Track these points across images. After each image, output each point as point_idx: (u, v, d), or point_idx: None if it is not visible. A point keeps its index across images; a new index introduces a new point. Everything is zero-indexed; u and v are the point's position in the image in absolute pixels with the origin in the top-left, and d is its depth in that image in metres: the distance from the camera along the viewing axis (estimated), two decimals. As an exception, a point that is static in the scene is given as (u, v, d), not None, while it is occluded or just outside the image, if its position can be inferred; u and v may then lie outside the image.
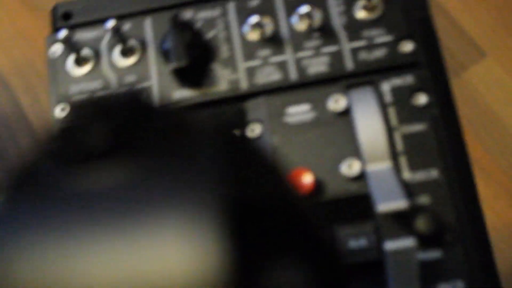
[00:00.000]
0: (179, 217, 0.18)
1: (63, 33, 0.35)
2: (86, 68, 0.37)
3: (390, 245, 0.31)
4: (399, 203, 0.32)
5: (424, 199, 0.34)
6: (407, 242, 0.31)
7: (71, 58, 0.37)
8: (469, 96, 0.62)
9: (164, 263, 0.17)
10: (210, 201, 0.18)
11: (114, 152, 0.20)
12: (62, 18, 0.38)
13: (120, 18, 0.38)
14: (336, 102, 0.35)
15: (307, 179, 0.33)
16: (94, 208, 0.19)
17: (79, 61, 0.37)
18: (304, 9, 0.36)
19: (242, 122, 0.35)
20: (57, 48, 0.37)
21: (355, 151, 0.34)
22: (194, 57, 0.35)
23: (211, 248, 0.17)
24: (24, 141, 0.55)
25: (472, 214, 0.34)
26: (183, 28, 0.36)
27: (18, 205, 0.19)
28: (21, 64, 0.58)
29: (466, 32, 0.64)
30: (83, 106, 0.23)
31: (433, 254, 0.33)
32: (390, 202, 0.32)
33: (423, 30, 0.37)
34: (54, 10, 0.39)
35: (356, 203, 0.34)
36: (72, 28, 0.38)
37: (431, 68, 0.36)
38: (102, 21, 0.38)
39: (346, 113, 0.35)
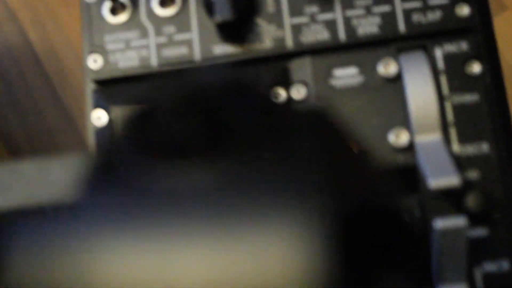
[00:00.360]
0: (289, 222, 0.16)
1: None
2: (123, 16, 0.35)
3: (441, 223, 0.30)
4: (452, 179, 0.31)
5: (473, 174, 0.33)
6: (458, 221, 0.30)
7: (107, 5, 0.35)
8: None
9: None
10: (318, 209, 0.17)
11: (208, 144, 0.18)
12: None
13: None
14: (386, 67, 0.34)
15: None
16: (186, 207, 0.17)
17: (116, 8, 0.35)
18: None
19: (287, 81, 0.34)
20: (93, -9, 0.35)
21: (404, 120, 0.33)
22: (239, 11, 0.33)
23: (324, 255, 0.16)
24: (32, 79, 0.53)
25: (520, 192, 0.33)
26: (229, -22, 0.34)
27: (99, 201, 0.18)
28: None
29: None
30: (163, 81, 0.22)
31: (480, 231, 0.32)
32: (442, 178, 0.31)
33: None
34: None
35: (403, 175, 0.33)
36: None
37: (485, 35, 0.34)
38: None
39: (396, 79, 0.34)
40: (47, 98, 0.53)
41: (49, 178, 0.25)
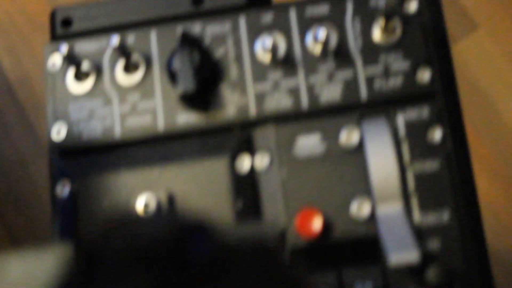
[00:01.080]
0: None
1: (64, 48, 0.34)
2: (87, 84, 0.36)
3: (399, 301, 0.31)
4: (411, 255, 0.32)
5: (434, 244, 0.34)
6: (416, 299, 0.31)
7: (71, 73, 0.36)
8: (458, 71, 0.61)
9: None
10: None
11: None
12: (61, 24, 0.37)
13: (124, 28, 0.36)
14: (349, 135, 0.34)
15: (317, 224, 0.33)
16: None
17: (79, 76, 0.36)
18: (320, 30, 0.34)
19: (251, 149, 0.34)
20: (56, 60, 0.36)
21: (366, 189, 0.34)
22: (202, 80, 0.34)
23: None
24: (5, 107, 0.53)
25: (480, 259, 0.34)
26: (192, 47, 0.35)
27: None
28: (2, 22, 0.55)
29: (458, 2, 0.61)
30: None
31: (440, 303, 0.33)
32: (402, 253, 0.32)
33: (440, 55, 0.35)
34: (53, 15, 0.37)
35: (365, 246, 0.34)
36: (72, 36, 0.36)
37: (447, 99, 0.35)
38: (105, 30, 0.37)
39: (359, 147, 0.34)
40: (19, 127, 0.53)
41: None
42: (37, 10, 0.52)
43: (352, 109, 0.36)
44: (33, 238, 0.49)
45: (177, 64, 0.35)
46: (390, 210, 0.34)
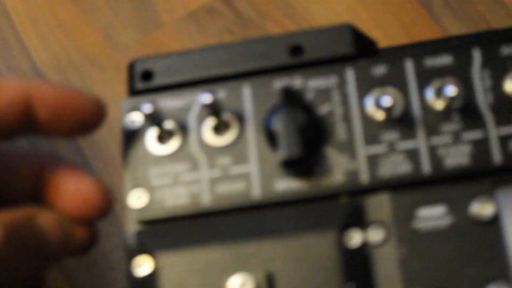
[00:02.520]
0: None
1: (147, 108, 0.30)
2: (171, 146, 0.32)
3: None
4: None
5: None
6: None
7: (152, 132, 0.32)
8: None
9: None
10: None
11: None
12: (141, 77, 0.33)
13: (212, 82, 0.32)
14: (482, 207, 0.30)
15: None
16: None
17: (162, 136, 0.31)
18: (449, 86, 0.30)
19: (363, 222, 0.30)
20: (137, 118, 0.32)
21: (504, 272, 0.29)
22: (307, 142, 0.30)
23: None
24: (65, 149, 0.50)
25: None
26: (295, 105, 0.30)
27: None
28: (59, 58, 0.53)
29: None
30: None
31: None
32: None
33: None
34: (132, 66, 0.34)
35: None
36: (154, 91, 0.33)
37: None
38: (191, 84, 0.33)
39: (494, 221, 0.29)
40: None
41: None
42: (94, 47, 0.49)
43: (484, 175, 0.31)
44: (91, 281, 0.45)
45: (278, 124, 0.31)
46: (536, 297, 0.29)
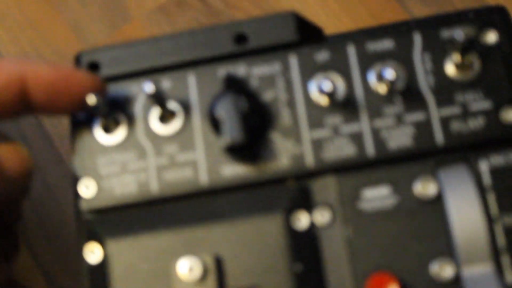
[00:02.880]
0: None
1: (92, 99, 0.30)
2: (118, 135, 0.33)
3: None
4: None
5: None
6: None
7: (99, 122, 0.32)
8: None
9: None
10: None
11: None
12: (88, 68, 0.34)
13: (157, 71, 0.33)
14: (424, 186, 0.31)
15: (392, 290, 0.29)
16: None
17: (109, 127, 0.32)
18: (387, 69, 0.30)
19: (309, 205, 0.30)
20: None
21: (447, 248, 0.30)
22: (251, 128, 0.30)
23: None
24: (32, 136, 0.50)
25: None
26: (238, 91, 0.31)
27: None
28: (28, 53, 0.53)
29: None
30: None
31: None
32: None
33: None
34: (78, 59, 0.34)
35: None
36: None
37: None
38: (136, 74, 0.33)
39: (436, 200, 0.30)
40: (47, 156, 0.50)
41: None
42: (63, 42, 0.50)
43: (426, 156, 0.32)
44: (64, 270, 0.45)
45: (221, 111, 0.31)
46: (479, 272, 0.30)
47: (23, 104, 0.33)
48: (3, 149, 0.33)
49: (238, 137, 0.31)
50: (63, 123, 0.51)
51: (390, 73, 0.32)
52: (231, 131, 0.31)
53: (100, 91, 0.33)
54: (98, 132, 0.34)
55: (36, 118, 0.51)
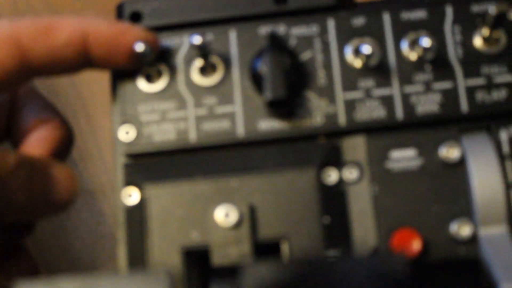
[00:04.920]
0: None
1: (141, 47, 0.33)
2: (159, 85, 0.35)
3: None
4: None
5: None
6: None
7: (142, 72, 0.35)
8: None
9: None
10: None
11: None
12: (130, 18, 0.36)
13: (199, 26, 0.35)
14: (448, 151, 0.34)
15: (416, 245, 0.32)
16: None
17: (151, 76, 0.34)
18: (423, 38, 0.34)
19: (339, 162, 0.33)
20: (126, 56, 0.35)
21: (467, 209, 0.33)
22: (291, 85, 0.33)
23: None
24: None
25: None
26: (281, 50, 0.33)
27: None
28: (18, 2, 0.55)
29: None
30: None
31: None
32: (512, 281, 0.31)
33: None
34: (120, 8, 0.36)
35: (465, 268, 0.33)
36: (143, 32, 0.36)
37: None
38: (178, 27, 0.36)
39: (459, 164, 0.33)
40: None
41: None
42: None
43: (451, 122, 0.35)
44: (48, 225, 0.48)
45: (264, 67, 0.34)
46: (495, 233, 0.33)
47: (84, 60, 0.35)
48: (59, 171, 0.36)
49: (280, 93, 0.34)
50: (57, 84, 0.52)
51: (426, 42, 0.35)
52: (274, 87, 0.34)
53: (154, 46, 0.35)
54: (140, 81, 0.37)
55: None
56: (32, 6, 0.55)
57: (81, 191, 0.44)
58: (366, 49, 0.35)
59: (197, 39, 0.35)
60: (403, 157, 0.35)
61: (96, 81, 0.52)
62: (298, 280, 0.27)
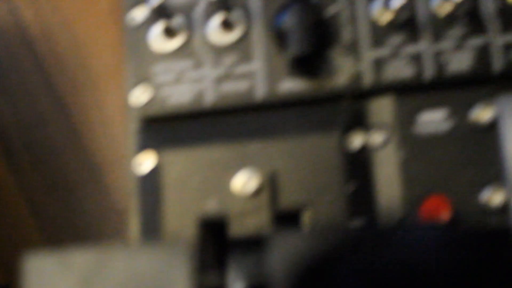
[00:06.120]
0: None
1: (156, 0, 0.31)
2: (175, 42, 0.34)
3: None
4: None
5: None
6: None
7: (157, 28, 0.33)
8: None
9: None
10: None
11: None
12: (144, -30, 0.34)
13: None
14: (480, 113, 0.32)
15: (444, 213, 0.31)
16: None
17: (166, 33, 0.33)
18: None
19: (365, 124, 0.32)
20: (140, 13, 0.33)
21: (498, 176, 0.31)
22: (316, 41, 0.31)
23: None
24: (24, 63, 0.52)
25: None
26: (305, 4, 0.32)
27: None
28: None
29: None
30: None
31: None
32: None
33: None
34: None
35: (496, 238, 0.32)
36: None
37: None
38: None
39: (491, 127, 0.32)
40: (38, 83, 0.52)
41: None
42: None
43: (484, 82, 0.33)
44: (52, 199, 0.48)
45: (288, 22, 0.33)
46: (528, 200, 0.32)
47: None
48: None
49: (305, 48, 0.33)
50: (55, 46, 0.52)
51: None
52: (298, 42, 0.33)
53: None
54: (154, 39, 0.35)
55: (29, 41, 0.53)
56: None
57: (85, 164, 0.44)
58: (396, 2, 0.33)
59: (217, -8, 0.33)
60: (432, 120, 0.34)
61: (101, 53, 0.51)
62: (343, 249, 0.26)
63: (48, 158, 0.51)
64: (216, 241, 0.34)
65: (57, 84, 0.52)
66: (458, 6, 0.34)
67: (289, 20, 0.33)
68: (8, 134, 0.54)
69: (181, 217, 0.33)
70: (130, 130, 0.35)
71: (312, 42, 0.33)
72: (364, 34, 0.35)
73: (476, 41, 0.34)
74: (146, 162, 0.34)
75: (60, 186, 0.51)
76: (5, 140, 0.53)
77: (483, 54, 0.34)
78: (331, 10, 0.35)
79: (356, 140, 0.34)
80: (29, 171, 0.51)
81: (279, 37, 0.34)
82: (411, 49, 0.34)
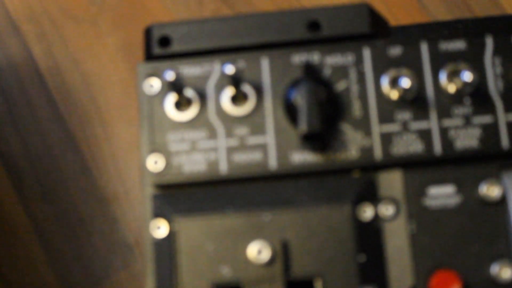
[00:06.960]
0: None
1: (171, 75, 0.32)
2: (189, 113, 0.35)
3: None
4: None
5: None
6: None
7: (171, 99, 0.34)
8: None
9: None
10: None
11: None
12: (159, 43, 0.35)
13: (229, 52, 0.35)
14: (489, 188, 0.33)
15: None
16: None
17: (181, 103, 0.34)
18: (465, 72, 0.34)
19: (375, 197, 0.33)
20: (155, 83, 0.34)
21: (507, 250, 0.32)
22: (326, 117, 0.33)
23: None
24: (35, 96, 0.53)
25: None
26: (316, 80, 0.33)
27: None
28: (34, 8, 0.55)
29: None
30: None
31: None
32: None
33: None
34: (149, 31, 0.36)
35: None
36: (171, 57, 0.35)
37: None
38: (208, 52, 0.35)
39: (500, 202, 0.33)
40: (49, 117, 0.53)
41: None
42: (71, 1, 0.52)
43: (492, 158, 0.34)
44: (61, 232, 0.48)
45: (299, 98, 0.34)
46: (537, 275, 0.33)
47: None
48: None
49: (315, 126, 0.34)
50: (66, 81, 0.53)
51: (467, 76, 0.34)
52: (309, 119, 0.34)
53: None
54: (169, 109, 0.36)
55: (39, 75, 0.54)
56: (47, 11, 0.55)
57: (94, 197, 0.44)
58: (405, 82, 0.35)
59: (230, 69, 0.34)
60: (442, 194, 0.35)
61: (111, 87, 0.52)
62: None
63: (58, 191, 0.52)
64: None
65: (67, 118, 0.53)
66: (465, 85, 0.35)
67: (300, 97, 0.34)
68: (19, 166, 0.54)
69: (196, 282, 0.34)
70: (147, 194, 0.35)
71: (321, 121, 0.34)
72: (374, 109, 0.36)
73: (483, 119, 0.36)
74: (162, 227, 0.35)
75: (70, 218, 0.51)
76: (17, 172, 0.54)
77: (489, 131, 0.35)
78: (341, 85, 0.36)
79: (367, 212, 0.35)
80: (39, 203, 0.51)
81: (289, 112, 0.35)
82: (419, 125, 0.36)
